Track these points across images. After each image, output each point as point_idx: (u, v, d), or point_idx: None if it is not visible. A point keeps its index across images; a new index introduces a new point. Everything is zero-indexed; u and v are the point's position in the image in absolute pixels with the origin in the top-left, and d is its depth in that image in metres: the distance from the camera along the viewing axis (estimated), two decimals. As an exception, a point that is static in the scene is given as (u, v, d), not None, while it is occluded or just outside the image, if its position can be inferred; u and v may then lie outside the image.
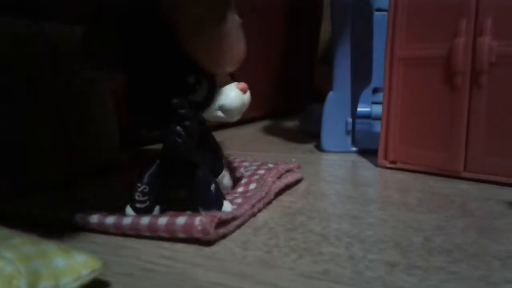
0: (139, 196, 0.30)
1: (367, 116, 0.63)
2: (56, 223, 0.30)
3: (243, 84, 0.29)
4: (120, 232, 0.29)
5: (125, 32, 0.28)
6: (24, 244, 0.20)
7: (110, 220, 0.29)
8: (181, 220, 0.27)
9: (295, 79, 0.98)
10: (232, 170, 0.39)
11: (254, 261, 0.25)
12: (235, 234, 0.29)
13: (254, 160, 0.43)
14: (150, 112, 0.29)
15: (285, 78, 0.95)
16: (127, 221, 0.28)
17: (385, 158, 0.46)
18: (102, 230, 0.29)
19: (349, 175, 0.45)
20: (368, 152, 0.52)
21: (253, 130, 0.78)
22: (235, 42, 0.28)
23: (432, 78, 0.42)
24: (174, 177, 0.30)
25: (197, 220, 0.26)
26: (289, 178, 0.38)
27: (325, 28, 0.89)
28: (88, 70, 0.33)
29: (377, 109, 0.59)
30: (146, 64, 0.28)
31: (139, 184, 0.30)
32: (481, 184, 0.39)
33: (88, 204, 0.34)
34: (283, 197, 0.37)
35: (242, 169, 0.40)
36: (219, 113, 0.29)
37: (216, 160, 0.34)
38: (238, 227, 0.29)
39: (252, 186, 0.35)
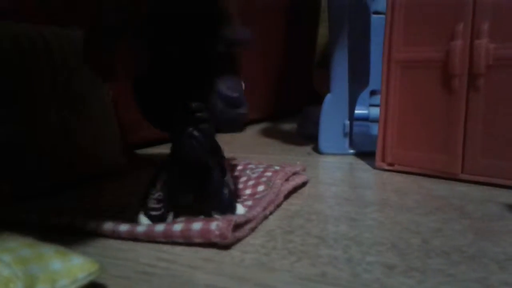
0: (154, 203, 0.29)
1: (365, 118, 0.64)
2: (66, 229, 0.29)
3: None
4: (133, 237, 0.28)
5: (153, 33, 0.28)
6: (21, 247, 0.20)
7: (124, 227, 0.28)
8: (197, 225, 0.27)
9: (293, 82, 0.98)
10: (236, 172, 0.39)
11: (252, 264, 0.25)
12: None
13: (259, 163, 0.43)
14: (165, 113, 0.28)
15: (283, 80, 0.96)
16: (141, 228, 0.28)
17: (383, 160, 0.46)
18: (115, 237, 0.28)
19: (347, 177, 0.45)
20: (365, 154, 0.52)
21: (251, 132, 0.78)
22: None
23: (429, 80, 0.42)
24: (184, 181, 0.30)
25: (214, 225, 0.26)
26: (296, 180, 0.39)
27: (323, 31, 0.89)
28: (89, 72, 0.33)
29: (375, 112, 0.59)
30: (170, 66, 0.28)
31: (153, 191, 0.29)
32: (479, 186, 0.39)
33: (89, 207, 0.34)
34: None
35: (248, 171, 0.40)
36: None
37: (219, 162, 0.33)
38: (253, 229, 0.29)
39: (260, 188, 0.35)
